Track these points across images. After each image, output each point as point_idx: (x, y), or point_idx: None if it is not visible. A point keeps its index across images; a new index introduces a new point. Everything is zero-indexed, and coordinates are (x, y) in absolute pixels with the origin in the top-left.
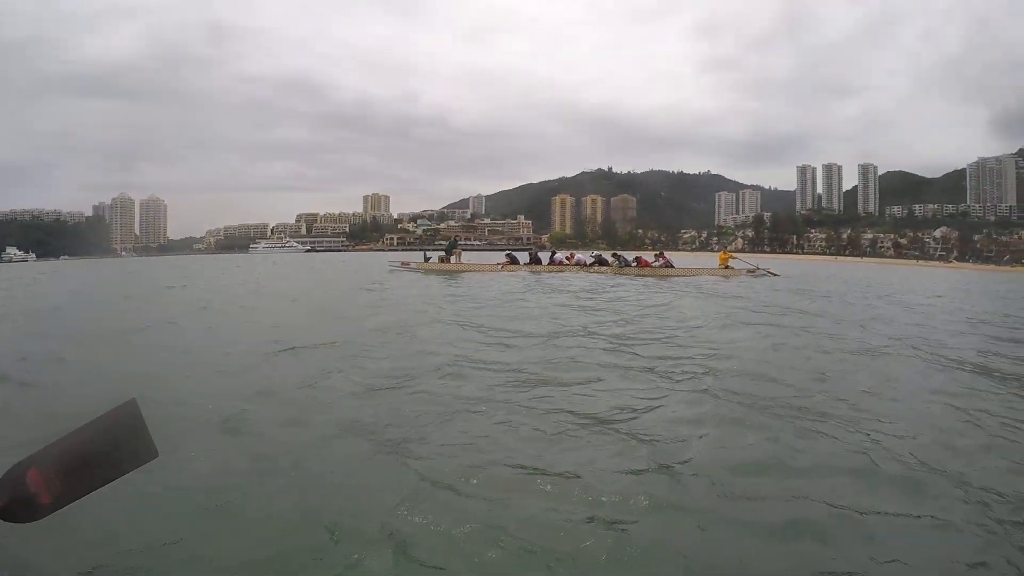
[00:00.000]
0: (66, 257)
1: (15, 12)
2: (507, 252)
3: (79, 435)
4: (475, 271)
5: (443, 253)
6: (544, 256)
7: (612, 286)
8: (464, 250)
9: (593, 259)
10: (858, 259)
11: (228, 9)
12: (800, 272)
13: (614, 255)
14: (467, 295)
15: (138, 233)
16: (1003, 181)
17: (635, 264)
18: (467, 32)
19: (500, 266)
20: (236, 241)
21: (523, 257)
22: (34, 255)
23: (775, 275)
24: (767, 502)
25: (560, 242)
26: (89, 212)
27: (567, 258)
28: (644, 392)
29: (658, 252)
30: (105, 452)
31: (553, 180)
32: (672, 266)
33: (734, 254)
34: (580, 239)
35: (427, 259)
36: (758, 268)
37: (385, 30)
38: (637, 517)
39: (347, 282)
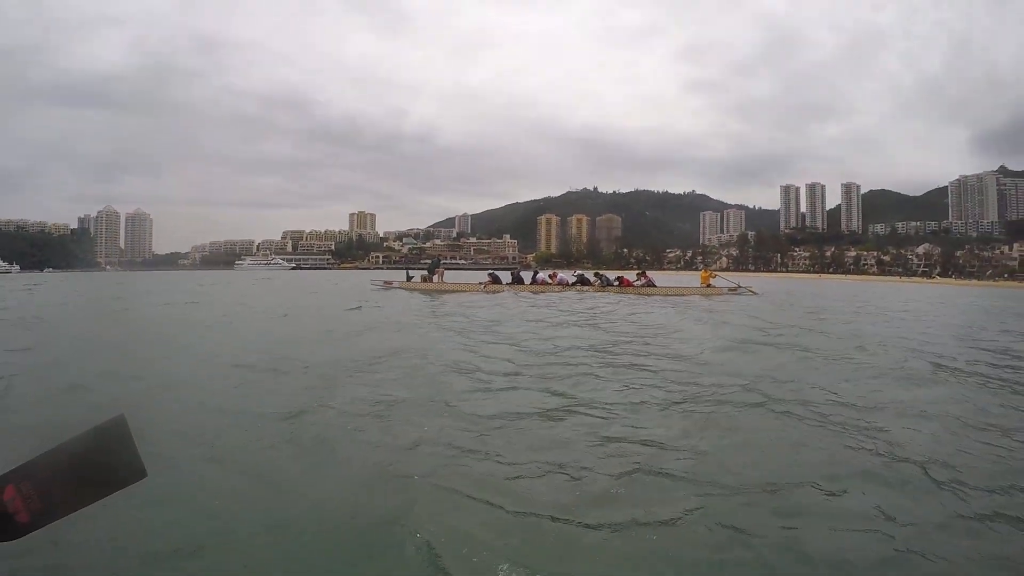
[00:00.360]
0: (50, 270)
1: (5, 18)
2: (489, 271)
3: (61, 452)
4: (457, 290)
5: (425, 272)
6: (526, 275)
7: (598, 305)
8: (448, 269)
9: (575, 278)
10: (842, 276)
11: (215, 21)
12: (783, 289)
13: (596, 274)
14: (455, 313)
15: (123, 247)
16: (984, 198)
17: (617, 284)
18: (453, 49)
19: (482, 285)
20: (222, 257)
21: (505, 276)
22: (18, 266)
23: (755, 293)
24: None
25: (546, 261)
26: (74, 224)
27: (550, 277)
28: (658, 409)
29: (640, 271)
30: (89, 470)
31: (539, 199)
32: (654, 285)
33: (715, 272)
34: (565, 258)
35: (410, 278)
36: (739, 286)
37: (372, 46)
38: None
39: (334, 300)
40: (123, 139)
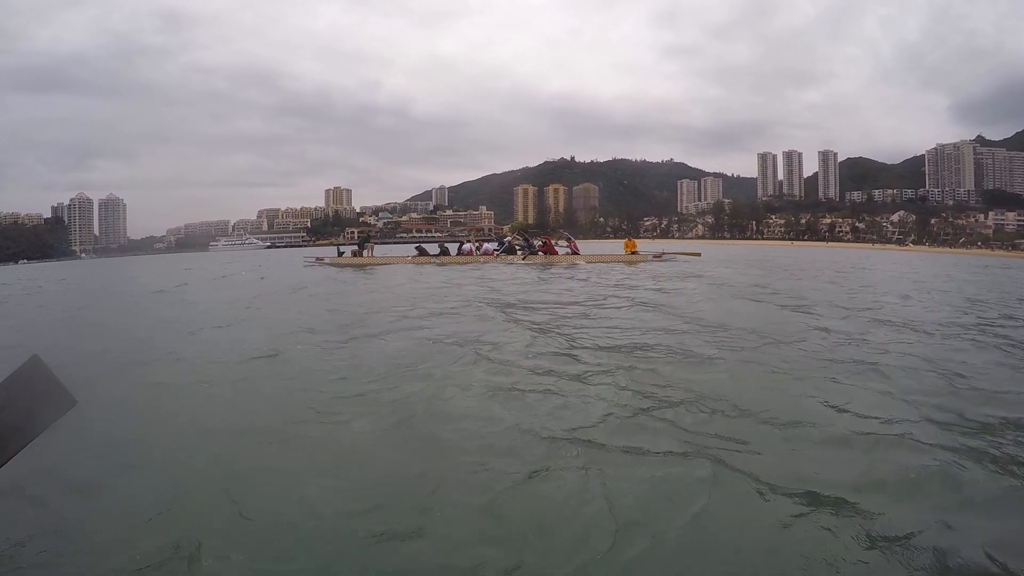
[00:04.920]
0: (24, 261)
1: None
2: (416, 245)
3: None
4: (385, 264)
5: (356, 247)
6: (453, 247)
7: (525, 276)
8: (423, 242)
9: (500, 248)
10: (815, 243)
11: None
12: (742, 255)
13: (524, 240)
14: (381, 287)
15: (97, 234)
16: (961, 166)
17: (542, 246)
18: (423, 17)
19: (410, 258)
20: (197, 239)
21: (434, 248)
22: None
23: (696, 255)
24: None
25: (522, 231)
26: (48, 214)
27: (476, 248)
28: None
29: (568, 238)
30: (19, 411)
31: (516, 170)
32: (578, 252)
33: (636, 241)
34: (542, 228)
35: (340, 254)
36: (664, 252)
37: (341, 16)
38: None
39: (275, 280)
40: (92, 123)
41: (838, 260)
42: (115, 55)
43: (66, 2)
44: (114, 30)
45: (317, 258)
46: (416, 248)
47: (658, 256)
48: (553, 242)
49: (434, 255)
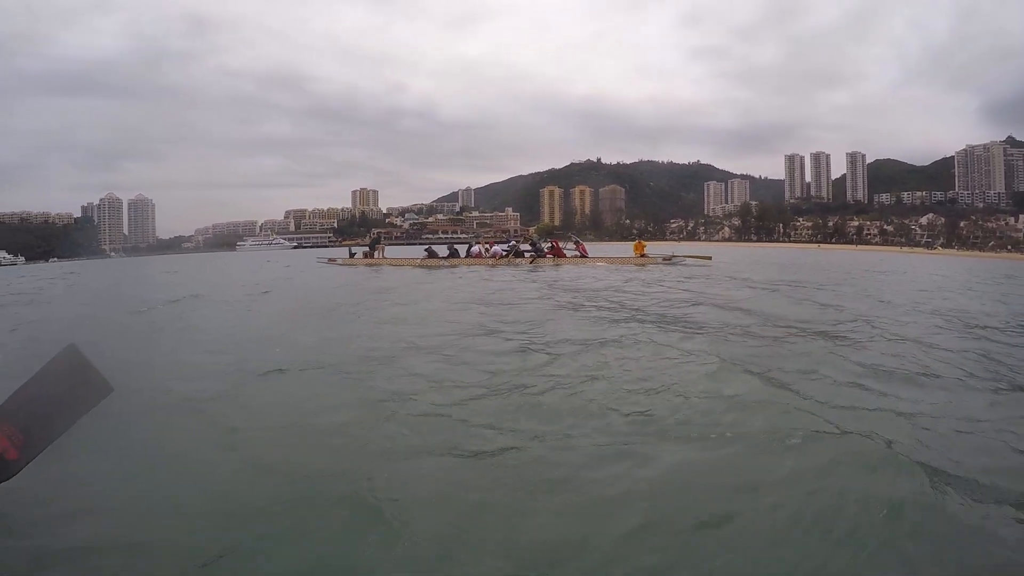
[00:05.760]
0: (55, 260)
1: None
2: (426, 247)
3: (27, 389)
4: (395, 265)
5: (367, 249)
6: (462, 249)
7: (534, 279)
8: (444, 243)
9: (508, 250)
10: (843, 246)
11: (207, 0)
12: (760, 259)
13: (531, 244)
14: (391, 288)
15: (127, 233)
16: (991, 168)
17: (550, 249)
18: (449, 20)
19: (419, 260)
20: (225, 239)
21: (443, 251)
22: (23, 258)
23: (707, 259)
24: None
25: (548, 233)
26: (78, 213)
27: (484, 250)
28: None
29: (576, 241)
30: (58, 398)
31: (542, 172)
32: (587, 255)
33: (646, 243)
34: (568, 230)
35: (352, 255)
36: (674, 255)
37: (365, 20)
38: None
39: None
40: (121, 125)
41: (864, 262)
42: (143, 59)
43: (95, 8)
44: (142, 34)
45: (329, 259)
46: (425, 250)
47: (667, 259)
48: (561, 245)
49: (443, 257)
